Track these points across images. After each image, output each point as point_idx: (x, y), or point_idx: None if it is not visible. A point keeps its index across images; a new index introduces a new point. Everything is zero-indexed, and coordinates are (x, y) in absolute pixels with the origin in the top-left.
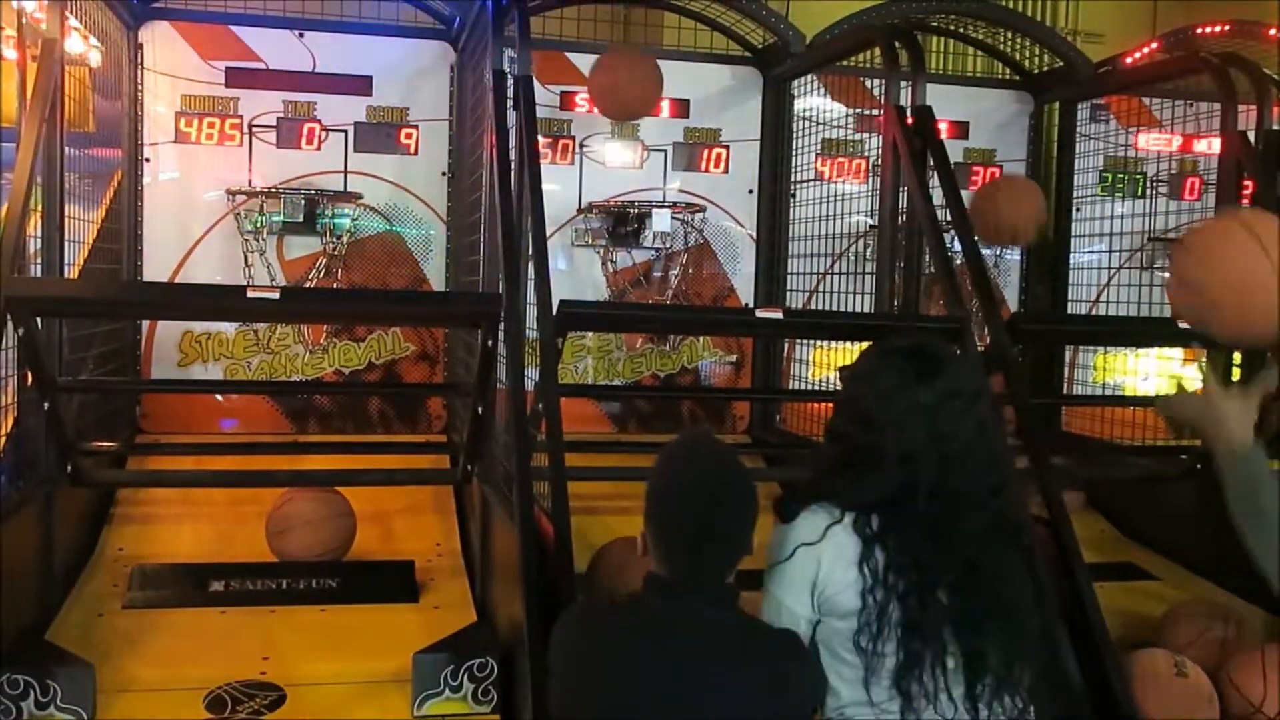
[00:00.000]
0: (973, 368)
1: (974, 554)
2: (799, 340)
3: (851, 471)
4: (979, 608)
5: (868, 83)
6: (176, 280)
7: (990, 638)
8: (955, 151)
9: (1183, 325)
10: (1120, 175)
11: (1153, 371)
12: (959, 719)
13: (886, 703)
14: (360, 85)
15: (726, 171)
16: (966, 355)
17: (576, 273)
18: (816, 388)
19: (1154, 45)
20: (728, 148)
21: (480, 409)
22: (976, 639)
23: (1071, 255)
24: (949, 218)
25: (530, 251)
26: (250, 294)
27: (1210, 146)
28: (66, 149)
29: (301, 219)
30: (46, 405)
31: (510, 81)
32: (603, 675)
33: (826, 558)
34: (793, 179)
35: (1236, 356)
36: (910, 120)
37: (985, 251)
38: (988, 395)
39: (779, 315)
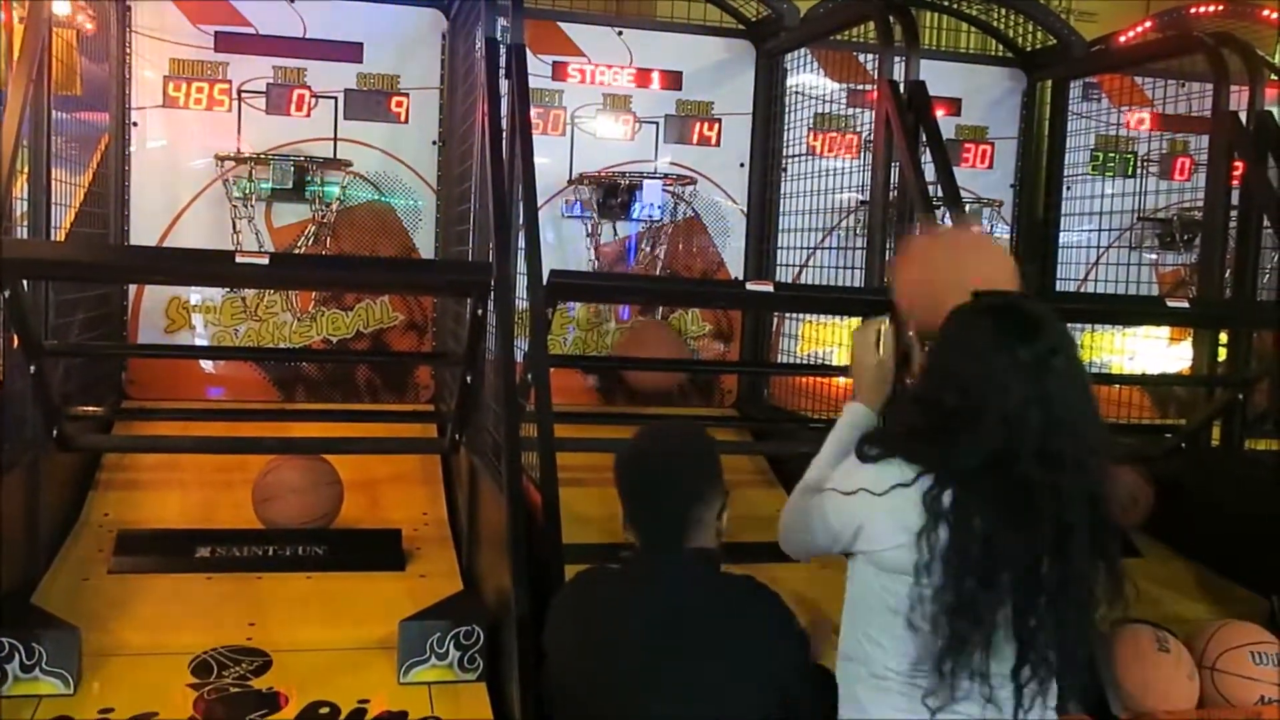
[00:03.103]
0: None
1: (1067, 522)
2: (788, 315)
3: (943, 437)
4: (1043, 588)
5: (861, 57)
6: (164, 246)
7: (1046, 621)
8: (947, 128)
9: (1171, 304)
10: (1111, 154)
11: (1140, 351)
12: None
13: (920, 677)
14: (351, 52)
15: (718, 145)
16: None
17: (564, 246)
18: (805, 362)
19: (1147, 24)
20: (719, 121)
21: (469, 378)
22: (1031, 622)
23: (1061, 234)
24: (941, 194)
25: (521, 221)
26: (239, 259)
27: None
28: (53, 112)
29: (290, 186)
30: (33, 369)
31: (503, 50)
32: (591, 631)
33: (879, 512)
34: (784, 153)
35: (1223, 336)
36: (903, 95)
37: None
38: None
39: (769, 288)
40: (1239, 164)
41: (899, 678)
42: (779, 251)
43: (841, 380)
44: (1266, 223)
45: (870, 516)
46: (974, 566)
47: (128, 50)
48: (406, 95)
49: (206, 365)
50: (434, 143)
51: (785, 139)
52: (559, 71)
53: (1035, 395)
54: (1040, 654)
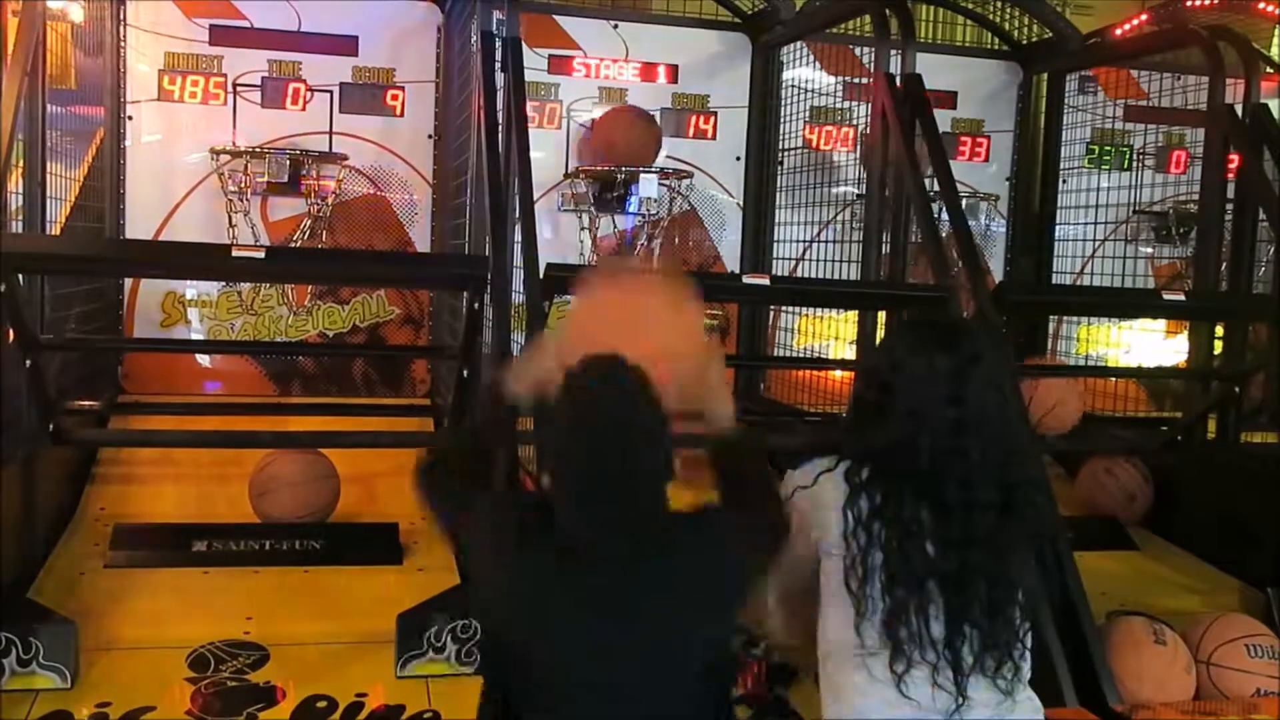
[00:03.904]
0: (993, 340)
1: (976, 519)
2: (784, 309)
3: (859, 427)
4: (968, 566)
5: (857, 51)
6: (159, 240)
7: (977, 596)
8: (943, 121)
9: (1168, 297)
10: (1107, 147)
11: (1136, 344)
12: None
13: (878, 648)
14: (346, 45)
15: (714, 138)
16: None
17: (561, 239)
18: (802, 356)
19: (1143, 18)
20: (715, 114)
21: (465, 372)
22: (961, 594)
23: (1057, 227)
24: (937, 187)
25: (517, 215)
26: (236, 252)
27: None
28: (48, 105)
29: (286, 180)
30: (28, 363)
31: (498, 44)
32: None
33: (814, 500)
34: (780, 147)
35: (1219, 329)
36: (900, 89)
37: (971, 222)
38: (1007, 367)
39: (765, 282)
40: (1234, 157)
41: (862, 652)
42: (775, 245)
43: (838, 374)
44: (1262, 216)
45: (810, 503)
46: (893, 535)
47: (122, 44)
48: (402, 89)
49: (202, 359)
50: (429, 136)
51: (781, 132)
52: (555, 65)
53: (952, 399)
54: (973, 628)
